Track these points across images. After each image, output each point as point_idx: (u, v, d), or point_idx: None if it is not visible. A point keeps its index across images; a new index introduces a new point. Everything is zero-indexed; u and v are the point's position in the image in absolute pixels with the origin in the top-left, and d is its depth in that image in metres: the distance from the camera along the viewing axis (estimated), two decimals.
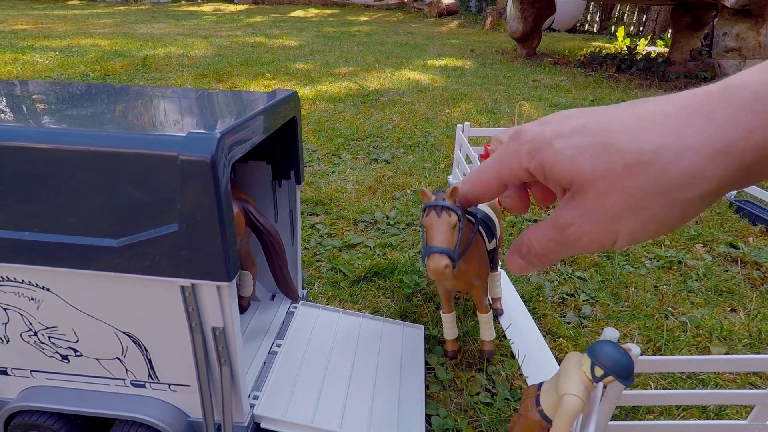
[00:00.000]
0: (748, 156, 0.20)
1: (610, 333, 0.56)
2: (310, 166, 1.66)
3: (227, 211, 0.44)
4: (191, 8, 8.29)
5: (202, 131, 0.42)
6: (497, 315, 0.91)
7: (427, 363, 0.79)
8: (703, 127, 0.21)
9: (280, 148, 0.72)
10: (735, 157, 0.20)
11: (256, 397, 0.63)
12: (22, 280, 0.50)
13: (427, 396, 0.73)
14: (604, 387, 0.53)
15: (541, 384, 0.55)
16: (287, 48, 4.25)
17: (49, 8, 7.22)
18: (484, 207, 0.76)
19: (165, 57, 3.49)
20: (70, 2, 8.44)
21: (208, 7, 8.51)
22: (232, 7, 8.72)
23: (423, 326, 0.84)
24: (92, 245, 0.46)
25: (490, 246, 0.73)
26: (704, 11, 3.88)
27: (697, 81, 3.52)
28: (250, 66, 3.31)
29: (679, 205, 0.22)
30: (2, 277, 0.50)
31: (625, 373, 0.46)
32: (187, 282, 0.47)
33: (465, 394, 0.74)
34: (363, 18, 7.87)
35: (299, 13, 8.29)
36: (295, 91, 0.66)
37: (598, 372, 0.47)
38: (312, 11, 8.71)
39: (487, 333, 0.79)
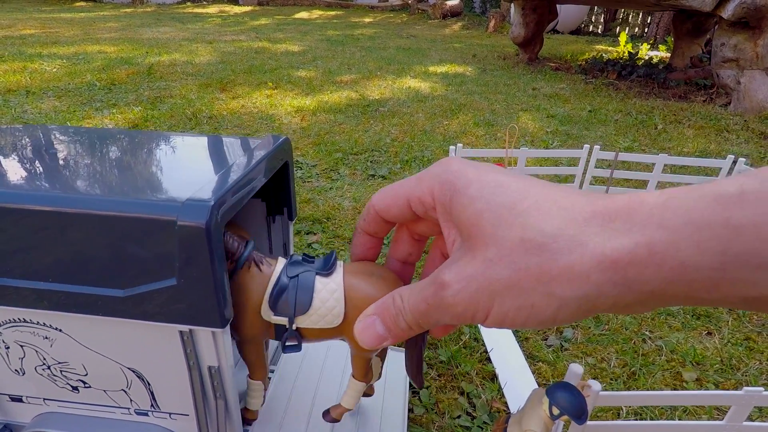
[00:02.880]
0: (633, 271, 0.19)
1: (575, 369, 0.61)
2: (309, 181, 1.71)
3: (220, 268, 0.49)
4: (196, 10, 8.36)
5: (197, 198, 0.47)
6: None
7: (412, 386, 0.84)
8: (599, 232, 0.20)
9: (274, 188, 0.77)
10: (620, 268, 0.20)
11: (249, 423, 0.68)
12: (38, 322, 0.56)
13: (410, 420, 0.78)
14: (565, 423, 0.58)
15: (509, 417, 0.60)
16: (290, 54, 4.31)
17: (55, 11, 7.30)
18: (333, 281, 0.50)
19: (170, 64, 3.55)
20: (77, 4, 8.54)
21: (213, 9, 8.58)
22: (236, 9, 8.78)
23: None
24: (101, 294, 0.52)
25: (273, 318, 0.52)
26: (705, 18, 3.89)
27: (697, 88, 3.54)
28: (253, 74, 3.36)
29: (556, 301, 0.21)
30: (21, 319, 0.56)
31: (578, 414, 0.51)
32: (185, 328, 0.52)
33: (447, 417, 0.79)
34: (367, 20, 7.90)
35: (303, 14, 8.34)
36: (287, 137, 0.71)
37: (555, 411, 0.52)
38: (316, 12, 8.76)
39: None
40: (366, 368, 0.59)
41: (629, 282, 0.20)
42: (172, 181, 0.55)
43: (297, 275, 0.52)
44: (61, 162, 0.61)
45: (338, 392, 0.77)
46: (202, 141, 0.71)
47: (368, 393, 0.68)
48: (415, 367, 0.52)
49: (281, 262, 0.54)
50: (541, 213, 0.22)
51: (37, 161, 0.60)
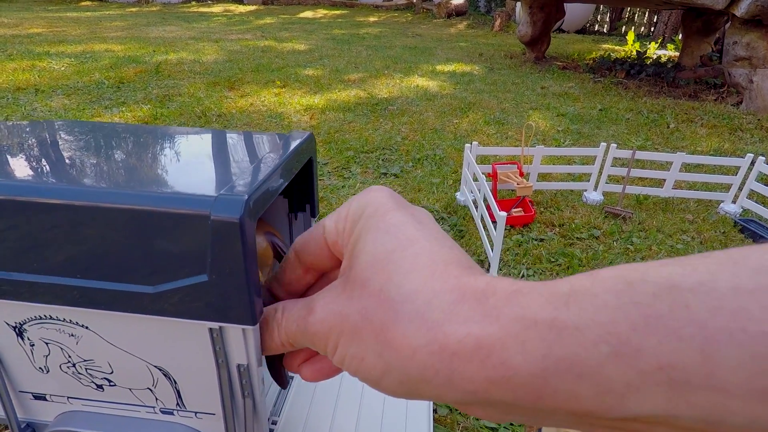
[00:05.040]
0: (457, 362, 0.17)
1: None
2: (321, 180, 1.70)
3: (252, 264, 0.48)
4: (201, 9, 8.37)
5: (231, 193, 0.46)
6: None
7: None
8: (446, 309, 0.18)
9: (296, 184, 0.76)
10: (446, 357, 0.18)
11: (274, 423, 0.67)
12: (64, 319, 0.55)
13: (434, 420, 0.77)
14: None
15: None
16: (297, 53, 4.30)
17: (62, 10, 7.33)
18: None
19: (177, 63, 3.54)
20: (83, 3, 8.56)
21: (217, 8, 8.59)
22: (241, 8, 8.78)
23: None
24: (130, 291, 0.51)
25: None
26: (715, 17, 3.86)
27: (707, 87, 3.51)
28: (261, 72, 3.36)
29: (383, 365, 0.19)
30: (46, 316, 0.55)
31: None
32: (215, 325, 0.51)
33: (471, 418, 0.77)
34: (372, 19, 7.89)
35: (308, 14, 8.34)
36: (311, 134, 0.70)
37: None
38: (321, 12, 8.75)
39: None
40: None
41: (453, 374, 0.18)
42: (202, 176, 0.54)
43: None
44: (89, 156, 0.60)
45: (359, 399, 0.76)
46: (228, 136, 0.70)
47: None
48: (270, 367, 0.46)
49: None
50: (412, 267, 0.20)
51: (65, 155, 0.59)
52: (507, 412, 0.18)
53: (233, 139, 0.68)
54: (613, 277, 0.16)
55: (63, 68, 3.19)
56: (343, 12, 8.88)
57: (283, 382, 0.49)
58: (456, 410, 0.79)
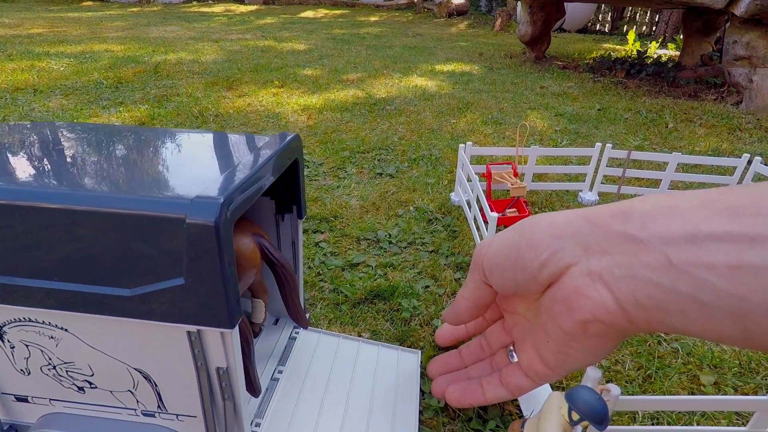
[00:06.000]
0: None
1: (592, 374, 0.59)
2: (316, 180, 1.70)
3: (230, 267, 0.48)
4: (202, 9, 8.37)
5: (207, 196, 0.46)
6: None
7: (421, 389, 0.82)
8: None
9: (283, 186, 0.76)
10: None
11: (258, 425, 0.67)
12: (43, 321, 0.55)
13: (421, 422, 0.76)
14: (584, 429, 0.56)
15: (524, 421, 0.58)
16: (296, 52, 4.30)
17: (63, 10, 7.34)
18: None
19: (176, 63, 3.55)
20: (84, 3, 8.57)
21: (218, 8, 8.59)
22: (242, 8, 8.79)
23: (419, 351, 0.87)
24: (107, 294, 0.50)
25: None
26: (716, 16, 3.84)
27: (707, 87, 3.49)
28: (260, 72, 3.36)
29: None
30: (26, 318, 0.55)
31: (599, 419, 0.49)
32: (193, 328, 0.51)
33: (458, 421, 0.77)
34: (373, 18, 7.88)
35: (309, 13, 8.33)
36: (298, 135, 0.70)
37: (575, 416, 0.50)
38: (322, 11, 8.75)
39: None
40: None
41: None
42: (180, 179, 0.54)
43: None
44: (68, 159, 0.59)
45: (347, 392, 0.75)
46: (210, 138, 0.70)
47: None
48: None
49: None
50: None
51: (44, 158, 0.59)
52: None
53: (215, 141, 0.68)
54: None
55: (62, 68, 3.19)
56: (344, 11, 8.87)
57: (254, 389, 0.56)
58: (442, 412, 0.79)
